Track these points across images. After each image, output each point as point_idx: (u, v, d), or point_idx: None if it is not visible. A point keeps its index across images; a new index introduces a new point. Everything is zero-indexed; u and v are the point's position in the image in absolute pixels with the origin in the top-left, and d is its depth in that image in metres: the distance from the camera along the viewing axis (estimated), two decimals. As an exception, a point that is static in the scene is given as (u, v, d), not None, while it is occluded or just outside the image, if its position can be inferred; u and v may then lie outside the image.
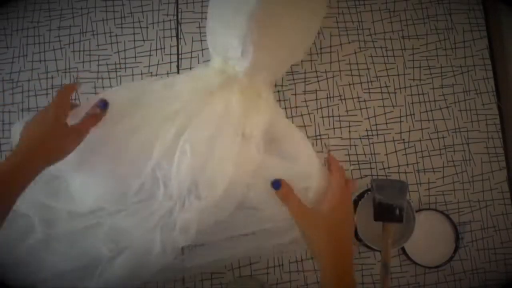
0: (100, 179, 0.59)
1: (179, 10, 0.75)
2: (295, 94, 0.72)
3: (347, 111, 0.72)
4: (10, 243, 0.60)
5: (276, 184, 0.55)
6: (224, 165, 0.57)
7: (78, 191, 0.60)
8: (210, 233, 0.59)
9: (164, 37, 0.74)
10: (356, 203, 0.61)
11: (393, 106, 0.72)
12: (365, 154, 0.70)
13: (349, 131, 0.71)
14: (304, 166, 0.58)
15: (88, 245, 0.58)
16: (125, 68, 0.72)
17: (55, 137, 0.52)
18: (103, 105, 0.57)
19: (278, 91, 0.71)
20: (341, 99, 0.72)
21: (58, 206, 0.60)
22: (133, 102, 0.63)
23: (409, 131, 0.72)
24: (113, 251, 0.58)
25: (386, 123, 0.72)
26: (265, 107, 0.61)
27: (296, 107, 0.71)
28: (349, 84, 0.73)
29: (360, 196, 0.62)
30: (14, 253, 0.59)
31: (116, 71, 0.72)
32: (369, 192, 0.61)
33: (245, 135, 0.59)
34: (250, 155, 0.57)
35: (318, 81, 0.73)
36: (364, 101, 0.72)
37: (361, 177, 0.69)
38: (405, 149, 0.71)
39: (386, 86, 0.73)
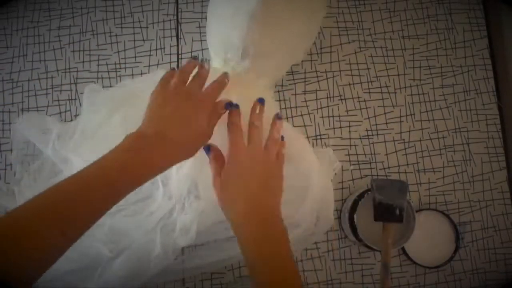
0: None
1: (179, 10, 0.75)
2: (295, 94, 0.72)
3: (347, 111, 0.72)
4: None
5: (207, 148, 0.53)
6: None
7: None
8: (210, 233, 0.59)
9: (164, 37, 0.74)
10: (356, 203, 0.61)
11: (393, 106, 0.72)
12: (365, 154, 0.70)
13: (349, 131, 0.71)
14: (305, 167, 0.58)
15: (87, 246, 0.58)
16: (125, 68, 0.72)
17: (199, 133, 0.49)
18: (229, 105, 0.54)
19: (278, 91, 0.71)
20: (341, 99, 0.72)
21: None
22: (134, 93, 0.63)
23: (409, 131, 0.72)
24: (113, 252, 0.58)
25: (386, 123, 0.72)
26: (265, 108, 0.61)
27: (296, 107, 0.71)
28: (349, 84, 0.73)
29: (360, 196, 0.62)
30: None
31: (116, 71, 0.72)
32: (369, 192, 0.61)
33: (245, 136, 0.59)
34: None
35: (318, 81, 0.73)
36: (364, 101, 0.72)
37: (361, 177, 0.69)
38: (405, 149, 0.71)
39: (386, 86, 0.73)
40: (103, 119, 0.61)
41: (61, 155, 0.61)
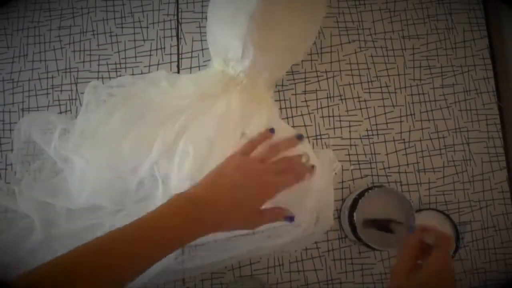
0: (96, 170, 0.59)
1: (179, 10, 0.75)
2: (295, 94, 0.72)
3: (347, 111, 0.72)
4: (11, 244, 0.60)
5: (411, 229, 0.52)
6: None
7: (75, 185, 0.60)
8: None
9: (164, 37, 0.74)
10: (356, 202, 0.61)
11: (393, 106, 0.72)
12: (365, 154, 0.70)
13: (349, 131, 0.71)
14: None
15: None
16: (125, 68, 0.72)
17: (246, 220, 0.50)
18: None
19: (278, 91, 0.71)
20: (341, 99, 0.72)
21: (58, 203, 0.60)
22: (135, 93, 0.63)
23: (409, 131, 0.72)
24: None
25: (386, 123, 0.72)
26: (265, 108, 0.61)
27: (296, 107, 0.71)
28: (349, 84, 0.73)
29: (360, 195, 0.62)
30: (15, 254, 0.59)
31: (116, 71, 0.72)
32: (369, 191, 0.61)
33: (245, 136, 0.59)
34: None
35: (318, 81, 0.73)
36: (364, 101, 0.72)
37: (361, 177, 0.69)
38: (405, 149, 0.71)
39: (386, 86, 0.73)
40: (102, 119, 0.61)
41: (62, 154, 0.62)
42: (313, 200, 0.58)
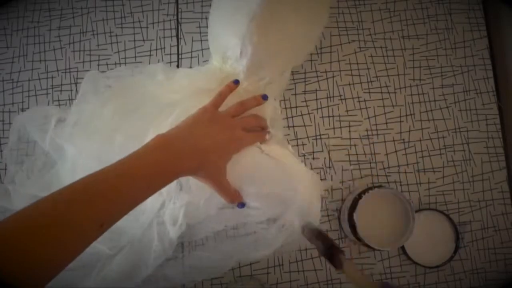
0: (87, 161, 0.59)
1: (179, 10, 0.75)
2: (295, 94, 0.72)
3: (347, 111, 0.72)
4: None
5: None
6: None
7: (67, 178, 0.60)
8: (203, 229, 0.60)
9: (164, 37, 0.74)
10: (356, 202, 0.61)
11: (393, 106, 0.72)
12: (365, 154, 0.70)
13: (349, 131, 0.71)
14: (289, 173, 0.58)
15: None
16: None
17: (221, 168, 0.54)
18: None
19: (278, 91, 0.71)
20: (341, 99, 0.72)
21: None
22: (131, 85, 0.63)
23: (409, 131, 0.72)
24: (113, 249, 0.58)
25: (386, 123, 0.72)
26: (260, 109, 0.61)
27: (296, 107, 0.71)
28: (349, 84, 0.73)
29: (360, 195, 0.62)
30: None
31: (116, 71, 0.72)
32: (369, 191, 0.61)
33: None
34: (243, 157, 0.57)
35: (318, 81, 0.73)
36: (364, 101, 0.72)
37: (361, 177, 0.69)
38: (405, 149, 0.71)
39: (386, 86, 0.73)
40: (96, 111, 0.61)
41: (56, 144, 0.62)
42: (300, 207, 0.58)
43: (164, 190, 0.57)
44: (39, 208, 0.39)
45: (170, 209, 0.58)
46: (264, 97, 0.60)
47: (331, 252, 0.46)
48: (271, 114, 0.63)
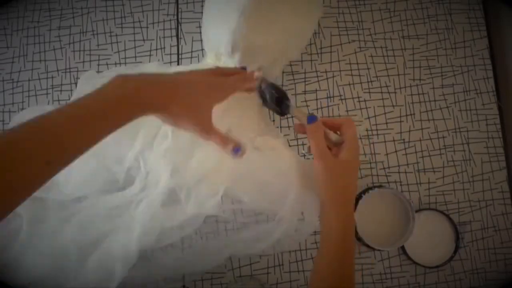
0: (82, 158, 0.59)
1: (179, 10, 0.75)
2: (295, 94, 0.72)
3: (347, 111, 0.72)
4: (1, 246, 0.59)
5: (310, 118, 0.53)
6: (205, 160, 0.57)
7: (62, 175, 0.59)
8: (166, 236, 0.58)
9: (164, 37, 0.74)
10: (356, 202, 0.61)
11: (393, 106, 0.72)
12: (365, 154, 0.70)
13: (349, 131, 0.71)
14: (284, 165, 0.58)
15: (66, 242, 0.56)
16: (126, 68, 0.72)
17: (197, 101, 0.48)
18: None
19: (278, 91, 0.71)
20: (341, 99, 0.72)
21: (45, 196, 0.59)
22: None
23: (409, 131, 0.72)
24: (82, 249, 0.56)
25: (386, 123, 0.72)
26: (256, 107, 0.61)
27: (296, 107, 0.71)
28: (349, 84, 0.73)
29: (360, 195, 0.62)
30: (5, 256, 0.58)
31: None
32: (369, 191, 0.61)
33: (231, 131, 0.59)
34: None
35: (318, 81, 0.73)
36: (364, 101, 0.72)
37: (361, 177, 0.69)
38: (405, 149, 0.71)
39: (386, 86, 0.73)
40: None
41: None
42: (296, 199, 0.58)
43: (151, 183, 0.56)
44: None
45: (145, 201, 0.56)
46: (243, 68, 0.58)
47: (280, 100, 0.56)
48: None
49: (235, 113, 0.60)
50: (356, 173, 0.52)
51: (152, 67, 0.66)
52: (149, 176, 0.58)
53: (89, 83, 0.65)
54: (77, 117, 0.41)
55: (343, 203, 0.50)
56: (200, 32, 0.74)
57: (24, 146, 0.38)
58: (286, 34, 0.62)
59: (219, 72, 0.55)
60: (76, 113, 0.41)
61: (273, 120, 0.70)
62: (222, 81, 0.52)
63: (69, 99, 0.71)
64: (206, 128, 0.50)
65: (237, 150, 0.51)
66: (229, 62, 0.61)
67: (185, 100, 0.47)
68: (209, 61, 0.64)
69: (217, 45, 0.61)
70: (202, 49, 0.73)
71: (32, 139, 0.38)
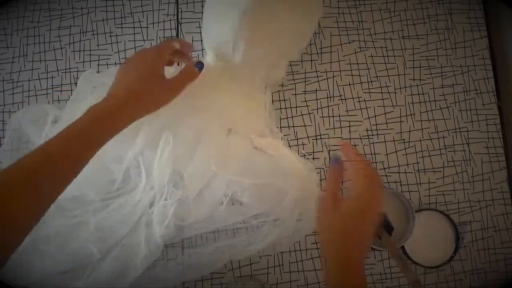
0: None
1: (179, 10, 0.75)
2: (295, 94, 0.72)
3: (347, 111, 0.72)
4: None
5: (334, 160, 0.49)
6: (207, 159, 0.58)
7: None
8: (193, 228, 0.60)
9: (164, 37, 0.74)
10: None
11: (393, 106, 0.72)
12: (365, 154, 0.70)
13: (349, 131, 0.71)
14: (284, 165, 0.58)
15: (76, 246, 0.58)
16: (125, 68, 0.72)
17: (152, 87, 0.51)
18: (200, 66, 0.57)
19: (278, 91, 0.71)
20: (341, 99, 0.72)
21: None
22: None
23: (409, 131, 0.72)
24: (101, 251, 0.57)
25: (386, 123, 0.72)
26: (256, 107, 0.61)
27: (296, 107, 0.71)
28: (349, 84, 0.73)
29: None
30: None
31: (116, 71, 0.72)
32: (369, 192, 0.61)
33: (232, 132, 0.59)
34: (234, 150, 0.57)
35: (318, 81, 0.73)
36: (364, 101, 0.72)
37: (361, 177, 0.69)
38: (405, 149, 0.71)
39: (386, 86, 0.73)
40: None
41: None
42: (294, 200, 0.58)
43: (156, 184, 0.57)
44: None
45: (160, 205, 0.58)
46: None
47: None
48: (265, 106, 0.63)
49: (240, 113, 0.60)
50: (364, 227, 0.45)
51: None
52: (151, 177, 0.58)
53: (88, 82, 0.65)
54: (65, 145, 0.45)
55: (347, 267, 0.43)
56: (200, 32, 0.74)
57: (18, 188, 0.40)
58: (287, 34, 0.62)
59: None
60: (63, 140, 0.45)
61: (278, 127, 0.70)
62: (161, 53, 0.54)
63: (69, 99, 0.71)
64: (175, 89, 0.54)
65: (200, 65, 0.57)
66: (230, 62, 0.60)
67: (152, 100, 0.52)
68: (208, 60, 0.64)
69: (217, 44, 0.61)
70: (202, 50, 0.73)
71: (26, 182, 0.41)
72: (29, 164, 0.42)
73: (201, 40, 0.73)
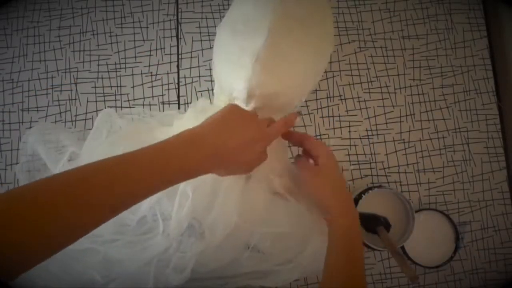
0: None
1: (179, 10, 0.75)
2: (295, 94, 0.72)
3: (347, 111, 0.72)
4: None
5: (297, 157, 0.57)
6: (227, 208, 0.56)
7: None
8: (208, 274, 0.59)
9: (164, 37, 0.74)
10: (356, 202, 0.61)
11: (393, 106, 0.72)
12: (365, 154, 0.70)
13: (349, 131, 0.71)
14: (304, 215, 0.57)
15: (80, 270, 0.57)
16: (125, 68, 0.72)
17: (247, 164, 0.51)
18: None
19: (278, 91, 0.71)
20: (341, 99, 0.72)
21: None
22: (140, 129, 0.63)
23: (409, 131, 0.72)
24: (105, 279, 0.57)
25: (386, 123, 0.72)
26: (274, 149, 0.59)
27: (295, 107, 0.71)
28: (349, 84, 0.73)
29: (360, 195, 0.62)
30: None
31: (116, 71, 0.72)
32: (369, 191, 0.61)
33: (250, 177, 0.58)
34: (255, 199, 0.55)
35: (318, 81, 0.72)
36: (364, 101, 0.72)
37: (361, 177, 0.69)
38: (405, 149, 0.71)
39: (386, 86, 0.73)
40: (105, 152, 0.59)
41: None
42: (314, 248, 0.58)
43: (172, 233, 0.56)
44: (23, 194, 0.37)
45: (179, 257, 0.56)
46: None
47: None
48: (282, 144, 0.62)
49: None
50: (338, 173, 0.54)
51: (165, 116, 0.67)
52: (168, 225, 0.57)
53: (106, 122, 0.64)
54: (141, 168, 0.42)
55: (344, 199, 0.52)
56: (200, 32, 0.74)
57: (67, 201, 0.37)
58: (302, 76, 0.60)
59: (264, 123, 0.54)
60: (141, 163, 0.42)
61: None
62: (266, 136, 0.52)
63: (69, 99, 0.71)
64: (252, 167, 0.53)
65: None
66: (243, 106, 0.58)
67: (231, 168, 0.50)
68: (220, 104, 0.61)
69: (230, 89, 0.58)
70: (202, 49, 0.73)
71: (76, 195, 0.38)
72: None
73: (201, 40, 0.73)
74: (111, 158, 0.41)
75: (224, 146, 0.48)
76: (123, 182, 0.40)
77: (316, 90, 0.72)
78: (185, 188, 0.56)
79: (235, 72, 0.57)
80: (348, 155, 0.70)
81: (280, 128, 0.54)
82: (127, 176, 0.40)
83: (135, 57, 0.73)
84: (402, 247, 0.65)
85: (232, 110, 0.51)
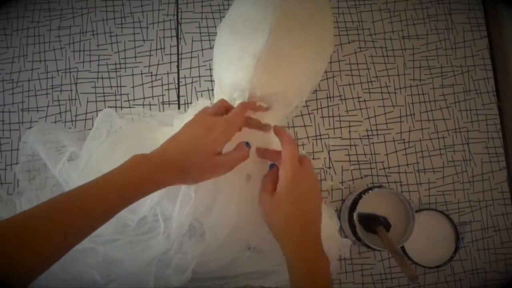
0: None
1: (179, 10, 0.75)
2: (295, 94, 0.72)
3: (347, 111, 0.72)
4: None
5: (270, 166, 0.56)
6: (228, 209, 0.56)
7: None
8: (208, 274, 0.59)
9: (164, 37, 0.74)
10: (356, 202, 0.61)
11: (393, 106, 0.72)
12: (365, 154, 0.70)
13: (349, 131, 0.71)
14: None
15: (80, 270, 0.57)
16: (125, 68, 0.72)
17: (199, 166, 0.49)
18: (248, 145, 0.55)
19: (278, 91, 0.71)
20: (341, 99, 0.72)
21: None
22: (140, 131, 0.63)
23: (409, 131, 0.72)
24: (105, 279, 0.57)
25: (386, 123, 0.72)
26: (263, 141, 0.59)
27: (296, 107, 0.71)
28: (349, 84, 0.73)
29: (360, 195, 0.62)
30: None
31: (116, 71, 0.72)
32: (369, 191, 0.61)
33: (251, 178, 0.58)
34: (255, 199, 0.55)
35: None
36: (364, 101, 0.72)
37: (361, 177, 0.69)
38: (405, 149, 0.71)
39: (386, 86, 0.73)
40: (105, 153, 0.60)
41: (65, 179, 0.61)
42: None
43: (173, 234, 0.56)
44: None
45: (180, 258, 0.56)
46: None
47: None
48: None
49: (257, 158, 0.59)
50: (308, 198, 0.51)
51: (164, 115, 0.67)
52: (169, 225, 0.57)
53: (106, 122, 0.64)
54: (95, 195, 0.44)
55: (298, 239, 0.49)
56: (200, 32, 0.74)
57: (44, 219, 0.40)
58: (302, 76, 0.60)
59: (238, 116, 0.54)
60: (93, 192, 0.44)
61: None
62: (216, 122, 0.52)
63: (69, 99, 0.71)
64: (224, 170, 0.52)
65: (248, 144, 0.55)
66: None
67: (195, 172, 0.50)
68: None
69: (231, 90, 0.58)
70: (202, 49, 0.73)
71: (52, 213, 0.41)
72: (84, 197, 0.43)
73: (201, 40, 0.73)
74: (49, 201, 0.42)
75: (180, 150, 0.48)
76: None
77: (316, 90, 0.72)
78: (187, 190, 0.56)
79: (236, 73, 0.57)
80: (348, 155, 0.70)
81: (238, 111, 0.54)
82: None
83: (135, 57, 0.73)
84: (402, 247, 0.65)
85: (186, 125, 0.52)
